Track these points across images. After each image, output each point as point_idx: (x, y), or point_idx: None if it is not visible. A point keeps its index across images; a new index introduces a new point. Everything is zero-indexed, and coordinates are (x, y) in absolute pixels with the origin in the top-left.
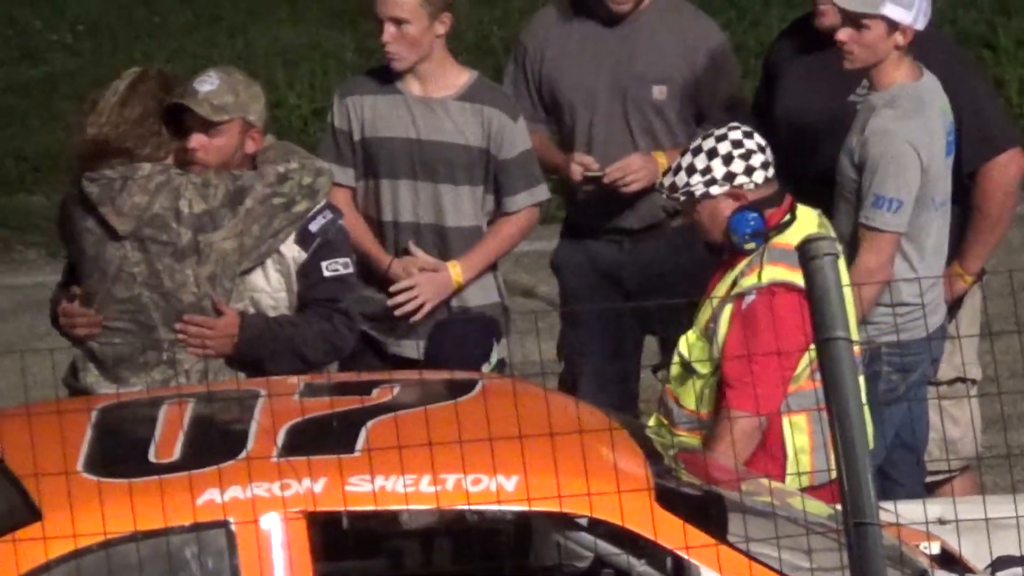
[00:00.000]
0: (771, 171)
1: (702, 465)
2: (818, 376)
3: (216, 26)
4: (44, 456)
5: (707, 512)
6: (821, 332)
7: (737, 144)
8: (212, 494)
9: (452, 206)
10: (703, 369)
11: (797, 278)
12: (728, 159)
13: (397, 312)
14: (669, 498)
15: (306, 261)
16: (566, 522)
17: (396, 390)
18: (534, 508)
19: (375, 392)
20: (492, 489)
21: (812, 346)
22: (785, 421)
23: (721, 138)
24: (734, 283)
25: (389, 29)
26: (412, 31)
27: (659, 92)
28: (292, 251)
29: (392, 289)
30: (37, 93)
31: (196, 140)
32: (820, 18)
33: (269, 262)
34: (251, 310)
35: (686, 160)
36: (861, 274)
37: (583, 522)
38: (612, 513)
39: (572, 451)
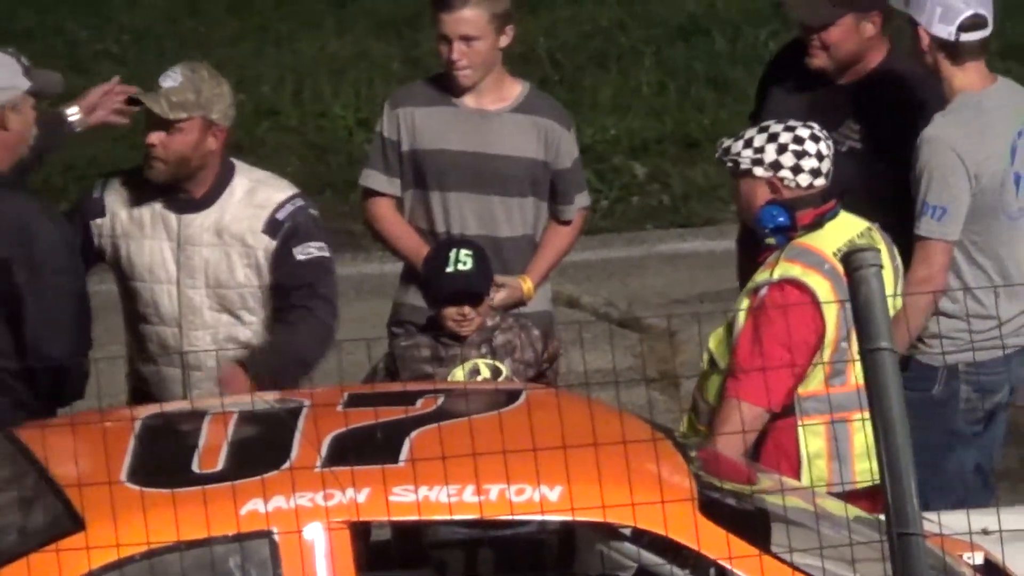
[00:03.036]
0: (820, 180)
1: (717, 461)
2: (836, 382)
3: (262, 36)
4: (87, 466)
5: (751, 522)
6: (866, 342)
7: (798, 140)
8: (256, 504)
9: (505, 217)
10: (722, 363)
11: (809, 278)
12: (782, 149)
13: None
14: (713, 508)
15: (276, 249)
16: (609, 532)
17: (440, 400)
18: (578, 518)
19: (419, 402)
20: (536, 499)
21: (828, 352)
22: (801, 424)
23: (789, 129)
24: None
25: (459, 47)
26: (481, 47)
27: None
28: (261, 242)
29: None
30: None
31: (154, 136)
32: (811, 59)
33: (235, 257)
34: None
35: (750, 133)
36: (912, 285)
37: (626, 532)
38: (655, 523)
39: (615, 461)
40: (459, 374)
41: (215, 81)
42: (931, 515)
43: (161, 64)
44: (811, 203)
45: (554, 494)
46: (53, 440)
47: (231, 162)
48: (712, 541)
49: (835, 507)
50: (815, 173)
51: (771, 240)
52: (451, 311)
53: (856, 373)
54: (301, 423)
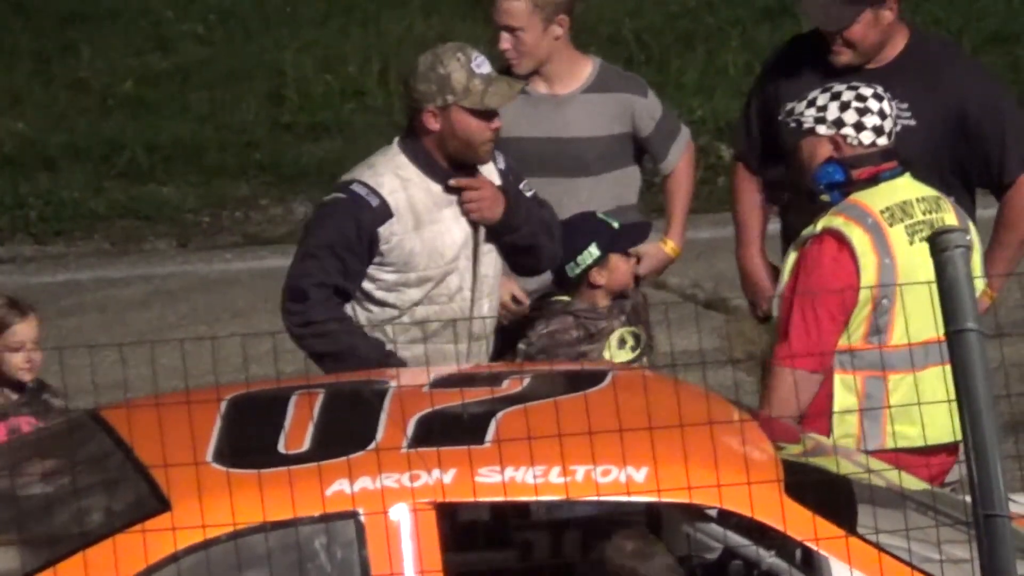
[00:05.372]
0: (883, 139)
1: (768, 425)
2: (875, 340)
3: (349, 16)
4: (173, 446)
5: (836, 503)
6: (951, 324)
7: (860, 98)
8: (341, 485)
9: (592, 196)
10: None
11: (849, 230)
12: (845, 106)
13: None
14: (798, 489)
15: (515, 192)
16: (695, 513)
17: (526, 381)
18: (663, 499)
19: (505, 383)
20: (622, 480)
21: (867, 308)
22: (836, 378)
23: (852, 88)
24: None
25: (506, 37)
26: (527, 38)
27: None
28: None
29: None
30: (168, 84)
31: (499, 121)
32: (837, 57)
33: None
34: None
35: (814, 94)
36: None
37: (712, 513)
38: (741, 504)
39: (701, 442)
40: (613, 345)
41: None
42: (1017, 496)
43: (247, 45)
44: (870, 161)
45: (640, 475)
46: (138, 421)
47: None
48: (798, 522)
49: (895, 477)
50: (878, 131)
51: (825, 197)
52: (627, 265)
53: (898, 334)
54: (387, 404)
